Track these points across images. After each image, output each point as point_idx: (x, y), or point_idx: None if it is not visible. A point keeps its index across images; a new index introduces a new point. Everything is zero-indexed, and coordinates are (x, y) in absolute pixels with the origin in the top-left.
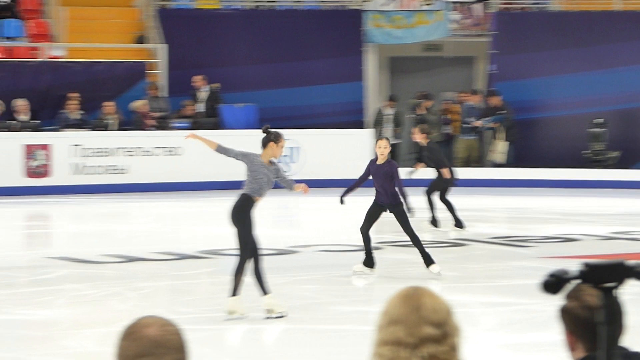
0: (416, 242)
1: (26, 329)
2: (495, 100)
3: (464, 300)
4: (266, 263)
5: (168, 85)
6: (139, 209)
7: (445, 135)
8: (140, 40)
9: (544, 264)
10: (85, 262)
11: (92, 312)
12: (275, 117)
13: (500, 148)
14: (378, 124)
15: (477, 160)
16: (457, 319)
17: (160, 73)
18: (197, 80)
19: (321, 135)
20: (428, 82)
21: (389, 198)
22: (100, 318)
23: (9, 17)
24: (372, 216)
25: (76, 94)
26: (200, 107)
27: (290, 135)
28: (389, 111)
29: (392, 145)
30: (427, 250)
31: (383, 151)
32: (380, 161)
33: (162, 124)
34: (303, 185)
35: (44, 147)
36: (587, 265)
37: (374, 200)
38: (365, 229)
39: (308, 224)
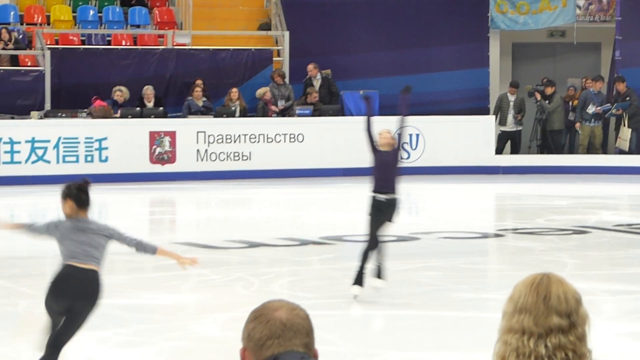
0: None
1: (152, 313)
2: (621, 87)
3: (586, 288)
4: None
5: (289, 73)
6: (261, 195)
7: (568, 121)
8: (264, 27)
9: None
10: (209, 247)
11: (216, 297)
12: (397, 104)
13: (624, 135)
14: (500, 110)
15: (601, 147)
16: (586, 307)
17: (282, 60)
18: (310, 68)
19: (443, 122)
20: (552, 69)
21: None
22: (224, 303)
23: (135, 4)
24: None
25: (201, 81)
26: (314, 96)
27: (412, 122)
28: (511, 98)
29: (513, 132)
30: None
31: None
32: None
33: (285, 111)
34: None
35: (169, 133)
36: None
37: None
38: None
39: (429, 210)
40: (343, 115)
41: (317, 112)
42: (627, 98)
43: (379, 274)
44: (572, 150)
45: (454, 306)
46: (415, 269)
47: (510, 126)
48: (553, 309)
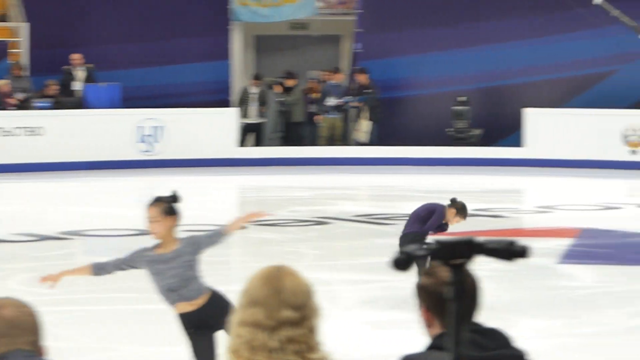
0: None
1: None
2: (363, 79)
3: (327, 278)
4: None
5: (30, 65)
6: None
7: (309, 114)
8: (2, 19)
9: None
10: None
11: None
12: (140, 96)
13: (363, 127)
14: (243, 102)
15: (341, 138)
16: (318, 299)
17: (22, 52)
18: (76, 58)
19: (185, 114)
20: (295, 61)
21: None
22: None
23: None
24: None
25: None
26: (77, 86)
27: (154, 115)
28: (254, 90)
29: (257, 125)
30: None
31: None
32: None
33: (23, 104)
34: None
35: None
36: (436, 242)
37: None
38: None
39: None
40: (84, 108)
41: (57, 105)
42: (369, 91)
43: None
44: (313, 142)
45: None
46: None
47: (253, 118)
48: (285, 302)
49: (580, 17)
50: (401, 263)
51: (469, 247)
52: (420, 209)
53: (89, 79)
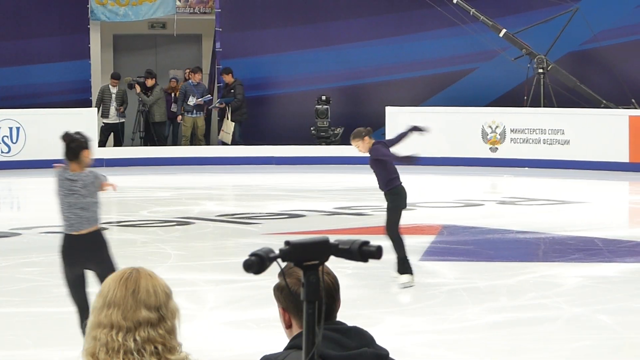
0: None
1: None
2: (228, 79)
3: (191, 279)
4: None
5: None
6: None
7: (171, 113)
8: None
9: (270, 240)
10: None
11: None
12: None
13: (227, 128)
14: (102, 102)
15: (203, 138)
16: (180, 300)
17: None
18: None
19: (43, 114)
20: (155, 60)
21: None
22: None
23: None
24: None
25: None
26: None
27: (11, 116)
28: (113, 90)
29: (116, 124)
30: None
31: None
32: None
33: None
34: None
35: None
36: (287, 243)
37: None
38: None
39: (30, 205)
40: None
41: None
42: (232, 90)
43: None
44: (175, 142)
45: (55, 302)
46: (15, 265)
47: (112, 118)
48: (142, 303)
49: (439, 15)
50: (253, 265)
51: (321, 249)
52: (374, 168)
53: None
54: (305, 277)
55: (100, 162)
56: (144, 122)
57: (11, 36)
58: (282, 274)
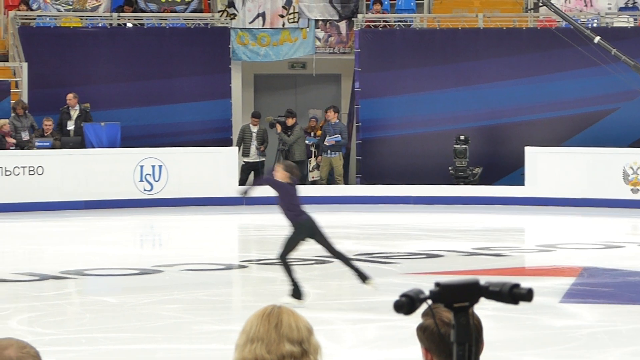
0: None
1: None
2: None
3: (328, 318)
4: (130, 283)
5: (29, 104)
6: None
7: (310, 152)
8: (3, 58)
9: (407, 280)
10: None
11: None
12: (140, 136)
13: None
14: (243, 141)
15: (342, 177)
16: (318, 337)
17: (21, 92)
18: (70, 97)
19: (186, 153)
20: (294, 100)
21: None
22: None
23: None
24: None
25: None
26: (70, 126)
27: (154, 154)
28: (254, 129)
29: (256, 163)
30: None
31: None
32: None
33: (24, 143)
34: None
35: None
36: (438, 285)
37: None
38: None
39: (173, 242)
40: (84, 147)
41: (56, 144)
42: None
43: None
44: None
45: (196, 339)
46: (161, 302)
47: (253, 157)
48: (285, 337)
49: (580, 54)
50: (403, 306)
51: (472, 290)
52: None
53: (85, 118)
54: (455, 318)
55: (241, 201)
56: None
57: (156, 76)
58: (432, 315)
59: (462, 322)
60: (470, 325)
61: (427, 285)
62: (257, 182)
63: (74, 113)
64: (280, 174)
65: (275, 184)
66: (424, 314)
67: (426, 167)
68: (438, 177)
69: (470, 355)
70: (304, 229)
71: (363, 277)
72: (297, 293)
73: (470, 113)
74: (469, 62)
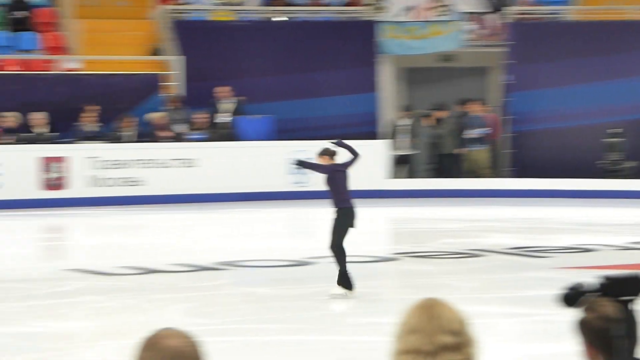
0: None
1: (45, 342)
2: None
3: (481, 311)
4: (283, 274)
5: (186, 97)
6: (155, 221)
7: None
8: (155, 52)
9: (560, 274)
10: (102, 274)
11: (109, 324)
12: (291, 129)
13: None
14: (393, 134)
15: (489, 169)
16: (473, 329)
17: (176, 85)
18: (223, 91)
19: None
20: (443, 93)
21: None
22: (118, 330)
23: (24, 30)
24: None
25: (92, 107)
26: (224, 118)
27: (305, 147)
28: (405, 122)
29: (408, 156)
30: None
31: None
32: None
33: (179, 136)
34: None
35: (60, 159)
36: (607, 278)
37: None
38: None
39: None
40: (237, 139)
41: (212, 137)
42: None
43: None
44: (458, 174)
45: (347, 330)
46: (313, 294)
47: (404, 150)
48: (441, 328)
49: None
50: (569, 299)
51: (637, 283)
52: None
53: (239, 111)
54: (621, 312)
55: (392, 194)
56: (435, 154)
57: (303, 69)
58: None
59: (627, 316)
60: (633, 319)
61: (584, 280)
62: (307, 164)
63: (228, 106)
64: (320, 159)
65: (316, 168)
66: (587, 309)
67: (577, 160)
68: (587, 171)
69: (632, 349)
70: (350, 215)
71: (348, 284)
72: (347, 283)
73: (623, 106)
74: (621, 54)
